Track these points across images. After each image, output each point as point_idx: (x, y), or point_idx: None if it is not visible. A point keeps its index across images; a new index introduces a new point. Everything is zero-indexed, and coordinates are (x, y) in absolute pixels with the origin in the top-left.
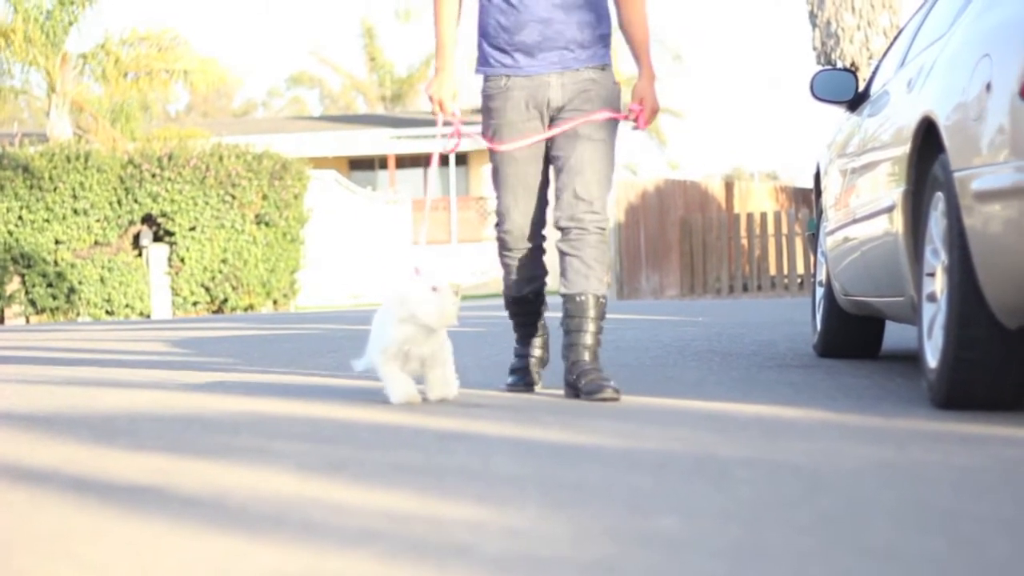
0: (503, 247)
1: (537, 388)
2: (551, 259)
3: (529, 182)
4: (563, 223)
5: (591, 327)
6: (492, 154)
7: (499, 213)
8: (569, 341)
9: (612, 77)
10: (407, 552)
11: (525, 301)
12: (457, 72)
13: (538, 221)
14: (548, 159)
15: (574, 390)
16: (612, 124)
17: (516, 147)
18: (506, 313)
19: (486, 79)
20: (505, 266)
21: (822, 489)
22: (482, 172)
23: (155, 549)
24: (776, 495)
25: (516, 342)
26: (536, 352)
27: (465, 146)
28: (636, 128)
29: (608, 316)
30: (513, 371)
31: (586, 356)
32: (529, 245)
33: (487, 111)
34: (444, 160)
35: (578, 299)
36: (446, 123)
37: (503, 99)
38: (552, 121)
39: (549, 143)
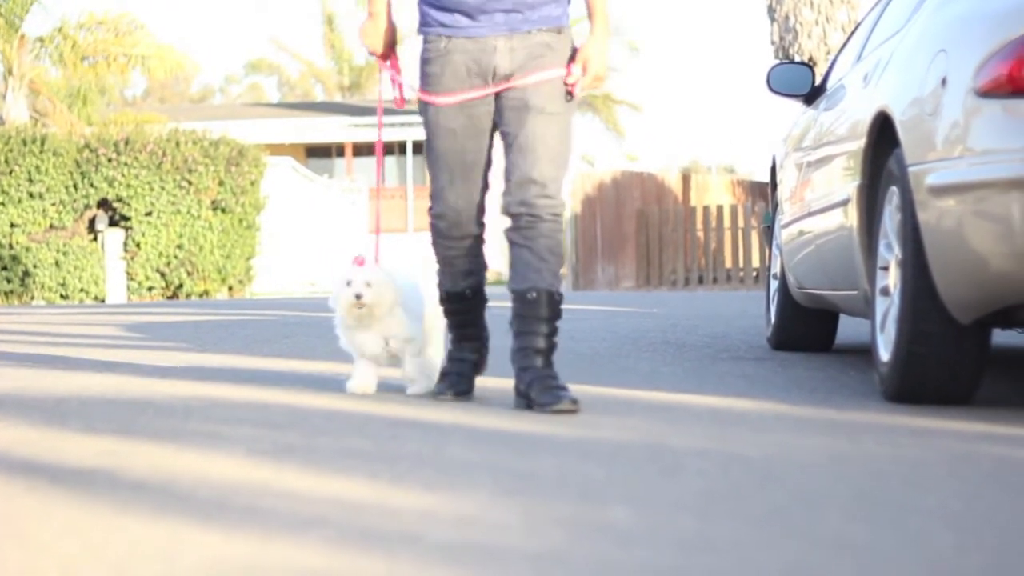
0: (436, 234)
1: (468, 399)
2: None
3: (468, 159)
4: (512, 209)
5: (543, 328)
6: (427, 126)
7: (432, 195)
8: (519, 344)
9: (570, 41)
10: (355, 538)
11: (461, 298)
12: (395, 18)
13: (478, 206)
14: (494, 136)
15: (525, 399)
16: (569, 96)
17: (451, 102)
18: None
19: (425, 40)
20: (439, 257)
21: (774, 481)
22: None
23: (103, 531)
24: (728, 486)
25: (450, 343)
26: (470, 356)
27: (422, 134)
28: (570, 96)
29: (563, 307)
30: (443, 376)
31: (538, 362)
32: (466, 233)
33: (424, 77)
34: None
35: (529, 296)
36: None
37: (441, 63)
38: (498, 94)
39: (497, 118)
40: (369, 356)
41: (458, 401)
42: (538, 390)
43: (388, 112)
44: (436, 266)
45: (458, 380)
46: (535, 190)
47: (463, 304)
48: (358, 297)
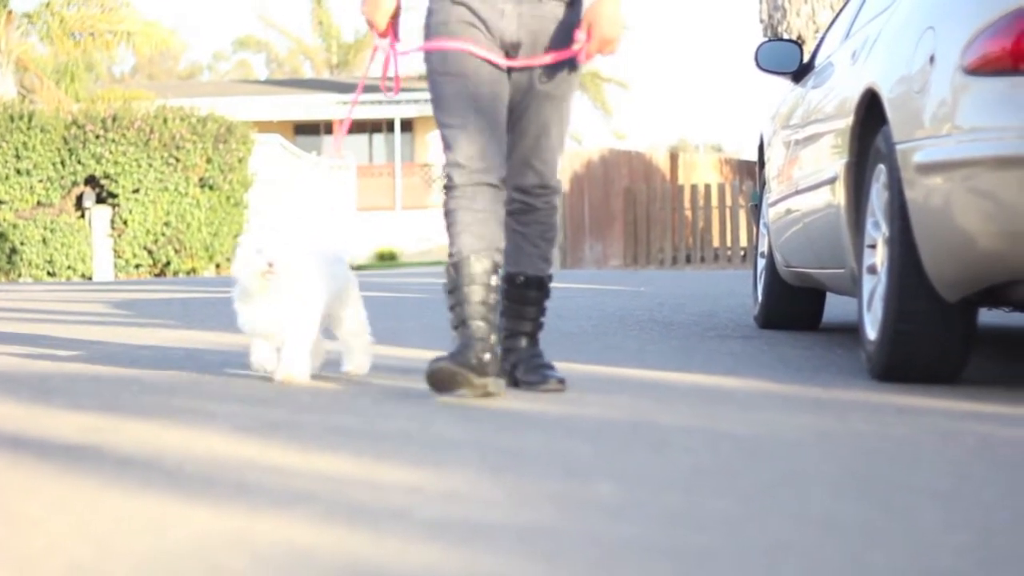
0: (451, 189)
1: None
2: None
3: (484, 104)
4: (509, 192)
5: (531, 312)
6: (432, 76)
7: (444, 145)
8: (505, 326)
9: (581, 13)
10: (342, 514)
11: (470, 267)
12: None
13: (498, 152)
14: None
15: (512, 379)
16: (574, 74)
17: (459, 47)
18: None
19: (431, 3)
20: (453, 220)
21: (761, 458)
22: (427, 140)
23: (89, 507)
24: (715, 463)
25: (452, 332)
26: (492, 338)
27: (411, 111)
28: (574, 67)
29: (551, 285)
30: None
31: (523, 342)
32: (485, 180)
33: (428, 28)
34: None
35: (517, 280)
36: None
37: (447, 13)
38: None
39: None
40: (262, 333)
41: (457, 372)
42: (524, 369)
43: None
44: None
45: (461, 352)
46: (532, 177)
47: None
48: (270, 265)
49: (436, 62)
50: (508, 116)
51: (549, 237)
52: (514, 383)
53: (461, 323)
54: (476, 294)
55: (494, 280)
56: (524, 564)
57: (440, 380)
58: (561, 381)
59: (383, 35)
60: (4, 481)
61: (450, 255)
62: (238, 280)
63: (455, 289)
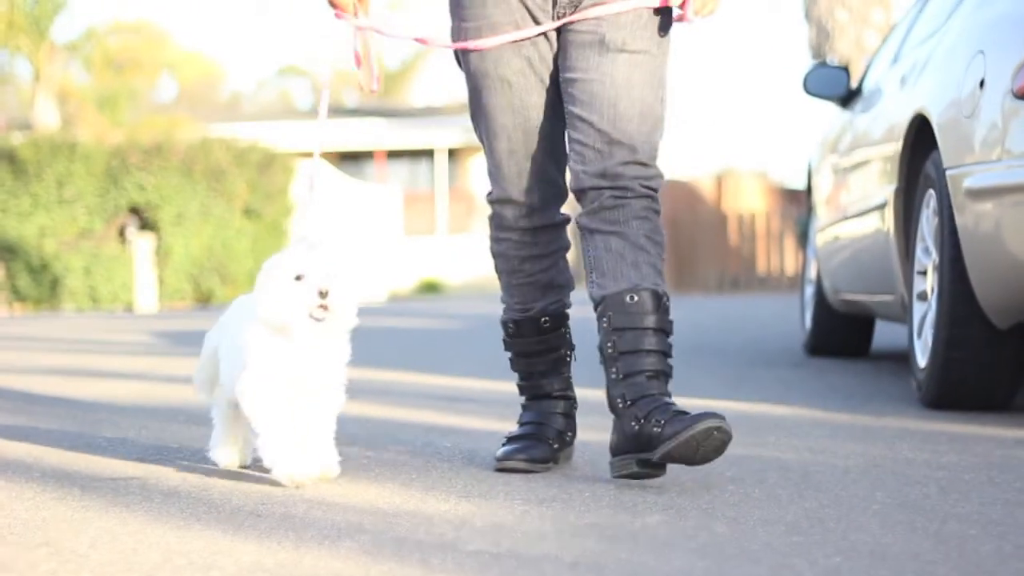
0: (497, 228)
1: (555, 469)
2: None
3: (531, 118)
4: (586, 183)
5: (652, 341)
6: (470, 80)
7: (489, 174)
8: (620, 370)
9: None
10: (389, 547)
11: (535, 327)
12: None
13: (552, 183)
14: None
15: (645, 442)
16: (660, 28)
17: (497, 43)
18: (505, 342)
19: None
20: (502, 265)
21: (810, 488)
22: (470, 165)
23: (137, 541)
24: (763, 493)
25: (522, 402)
26: (557, 422)
27: (457, 139)
28: (665, 28)
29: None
30: (511, 439)
31: (654, 388)
32: (539, 223)
33: (455, 8)
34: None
35: (628, 300)
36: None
37: None
38: (561, 28)
39: (560, 59)
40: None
41: (532, 470)
42: (668, 422)
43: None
44: (501, 282)
45: (534, 444)
46: (620, 154)
47: (539, 338)
48: (322, 295)
49: (473, 63)
50: (570, 87)
51: (659, 240)
52: (645, 441)
53: (532, 396)
54: (543, 356)
55: (565, 335)
56: None
57: (511, 471)
58: (724, 425)
59: (343, 10)
60: (51, 514)
61: (507, 307)
62: (274, 323)
63: (519, 355)
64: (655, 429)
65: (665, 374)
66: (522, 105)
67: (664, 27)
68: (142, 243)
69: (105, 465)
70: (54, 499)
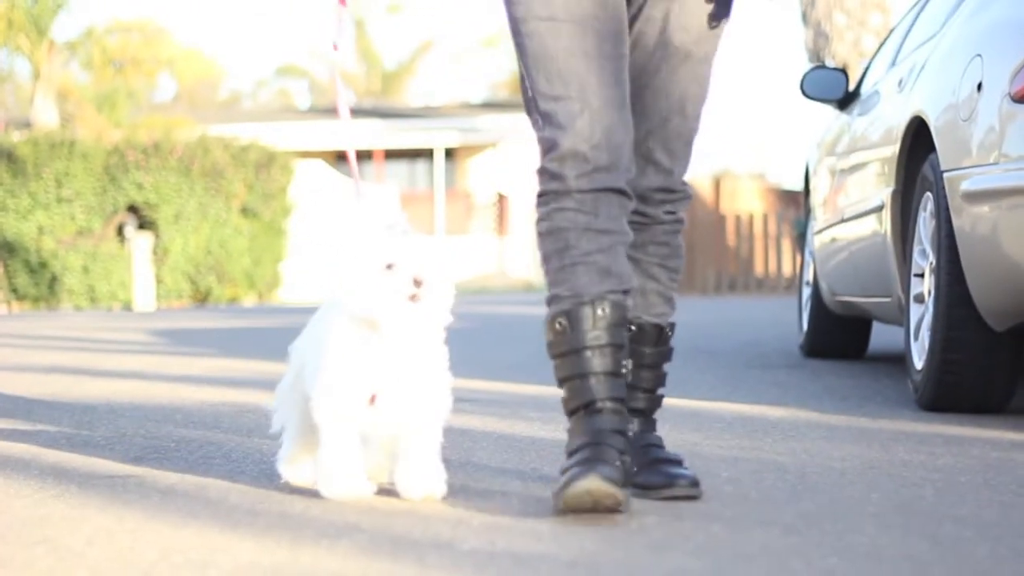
0: (558, 195)
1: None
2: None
3: (606, 51)
4: None
5: (645, 379)
6: (518, 23)
7: (544, 119)
8: None
9: None
10: (386, 546)
11: (595, 317)
12: None
13: (631, 141)
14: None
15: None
16: (721, 28)
17: None
18: (548, 344)
19: None
20: (562, 244)
21: (806, 489)
22: (468, 166)
23: (134, 539)
24: (760, 495)
25: (570, 423)
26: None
27: (453, 139)
28: (718, 19)
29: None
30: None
31: (635, 424)
32: (611, 184)
33: None
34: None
35: (629, 330)
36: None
37: None
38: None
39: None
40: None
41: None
42: (640, 463)
43: (413, 115)
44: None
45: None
46: (653, 177)
47: (601, 327)
48: (417, 284)
49: (526, 4)
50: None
51: (673, 266)
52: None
53: (584, 406)
54: (602, 361)
55: (626, 337)
56: None
57: (580, 508)
58: (694, 484)
59: None
60: (49, 512)
61: (554, 298)
62: (365, 315)
63: (568, 353)
64: (633, 475)
65: (651, 410)
66: (593, 44)
67: (722, 21)
68: (140, 242)
69: (103, 463)
70: (52, 497)
